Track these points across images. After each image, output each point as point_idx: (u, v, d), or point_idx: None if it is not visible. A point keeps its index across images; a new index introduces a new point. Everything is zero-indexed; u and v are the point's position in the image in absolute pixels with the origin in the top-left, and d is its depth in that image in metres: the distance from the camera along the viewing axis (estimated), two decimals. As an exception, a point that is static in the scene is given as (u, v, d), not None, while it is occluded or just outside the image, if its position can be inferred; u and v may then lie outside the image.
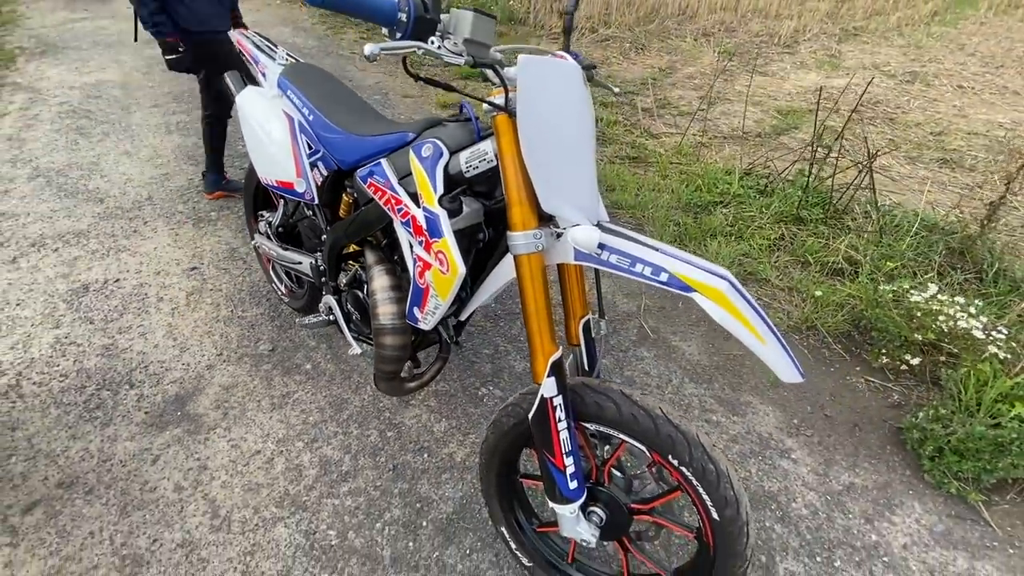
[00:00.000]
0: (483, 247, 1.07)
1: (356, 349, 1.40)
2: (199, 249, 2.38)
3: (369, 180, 1.12)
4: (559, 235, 0.90)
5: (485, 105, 0.85)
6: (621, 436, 0.97)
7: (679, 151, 3.42)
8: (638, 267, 0.84)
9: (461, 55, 0.82)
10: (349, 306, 1.40)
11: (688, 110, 4.28)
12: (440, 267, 0.93)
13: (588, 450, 1.07)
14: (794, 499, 1.45)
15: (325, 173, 1.30)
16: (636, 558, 1.10)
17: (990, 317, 1.81)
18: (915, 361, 1.73)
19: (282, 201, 1.65)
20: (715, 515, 0.92)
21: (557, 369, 0.91)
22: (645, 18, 6.80)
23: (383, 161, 1.11)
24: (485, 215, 1.02)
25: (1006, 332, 1.73)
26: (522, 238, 0.86)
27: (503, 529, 1.21)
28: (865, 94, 4.74)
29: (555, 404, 0.92)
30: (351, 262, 1.42)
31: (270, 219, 1.70)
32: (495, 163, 0.93)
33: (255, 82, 1.62)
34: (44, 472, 1.47)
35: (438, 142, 0.98)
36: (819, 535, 1.37)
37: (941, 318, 1.76)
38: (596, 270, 1.06)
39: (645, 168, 3.25)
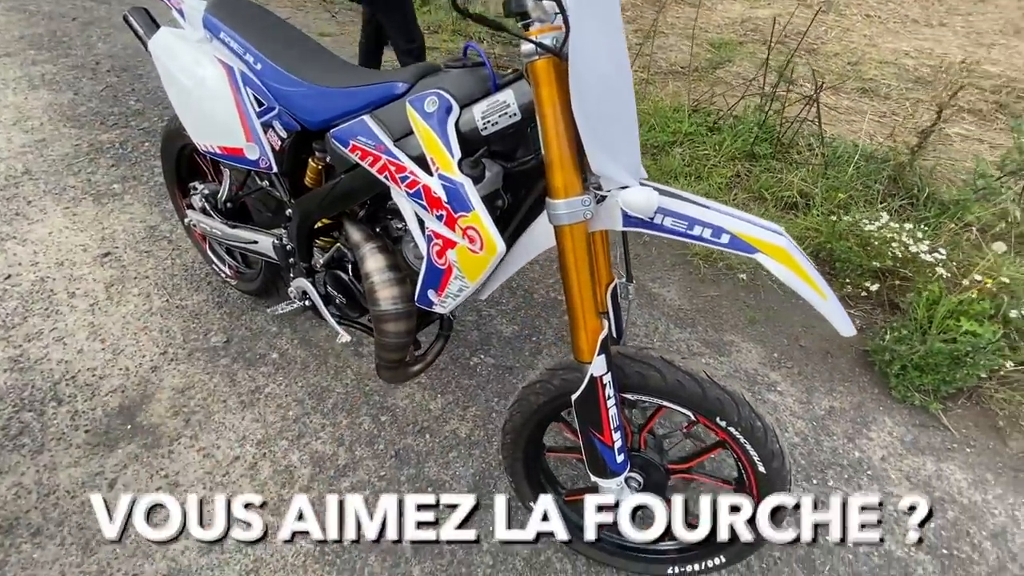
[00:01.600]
0: (500, 215, 0.94)
1: (344, 336, 1.24)
2: (108, 230, 2.01)
3: (351, 142, 0.94)
4: (601, 199, 0.80)
5: (525, 47, 0.71)
6: (666, 403, 0.94)
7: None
8: (696, 229, 0.77)
9: None
10: (329, 288, 1.23)
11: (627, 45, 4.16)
12: (470, 245, 0.81)
13: (625, 418, 1.04)
14: (786, 430, 1.53)
15: (284, 135, 1.09)
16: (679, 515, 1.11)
17: (926, 236, 1.97)
18: (874, 287, 1.86)
19: (227, 171, 1.39)
20: (762, 468, 0.93)
21: (605, 347, 0.84)
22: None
23: (366, 118, 0.93)
24: (505, 178, 0.89)
25: (944, 253, 1.89)
26: (566, 206, 0.75)
27: (531, 505, 1.17)
28: (787, 25, 4.84)
29: (605, 382, 0.86)
30: (323, 238, 1.23)
31: (208, 192, 1.44)
32: (519, 117, 0.80)
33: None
34: (-31, 519, 1.22)
35: (444, 93, 0.83)
36: (812, 459, 1.46)
37: (894, 245, 1.88)
38: (623, 231, 0.98)
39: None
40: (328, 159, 1.05)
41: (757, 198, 2.43)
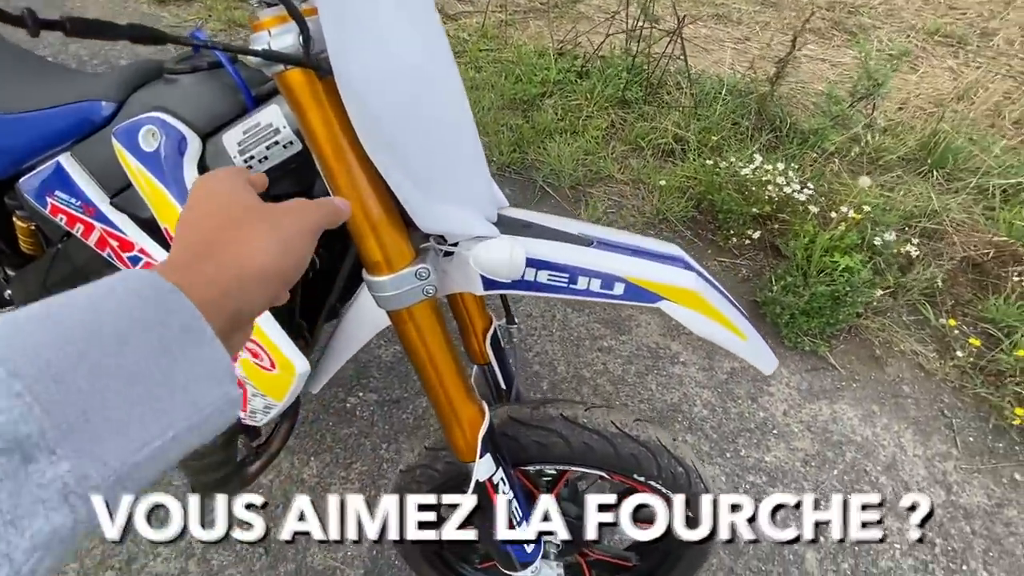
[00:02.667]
0: (315, 276, 0.66)
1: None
2: None
3: (49, 200, 0.59)
4: (447, 253, 0.56)
5: (251, 58, 0.42)
6: (574, 468, 0.77)
7: (484, 34, 3.00)
8: (581, 282, 0.56)
9: None
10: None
11: (478, -19, 3.75)
12: (255, 360, 0.53)
13: (527, 481, 0.86)
14: (694, 404, 1.48)
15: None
16: (595, 558, 0.98)
17: (797, 174, 1.99)
18: (756, 235, 1.84)
19: None
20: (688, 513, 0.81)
21: (490, 442, 0.63)
22: None
23: (62, 160, 0.58)
24: None
25: (812, 188, 1.91)
26: (392, 285, 0.50)
27: (442, 586, 0.98)
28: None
29: (495, 481, 0.65)
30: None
31: None
32: (299, 144, 0.52)
33: None
34: None
35: (168, 119, 0.51)
36: (722, 431, 1.43)
37: (770, 187, 1.86)
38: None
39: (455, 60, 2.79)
40: (29, 217, 0.68)
41: (634, 148, 2.32)
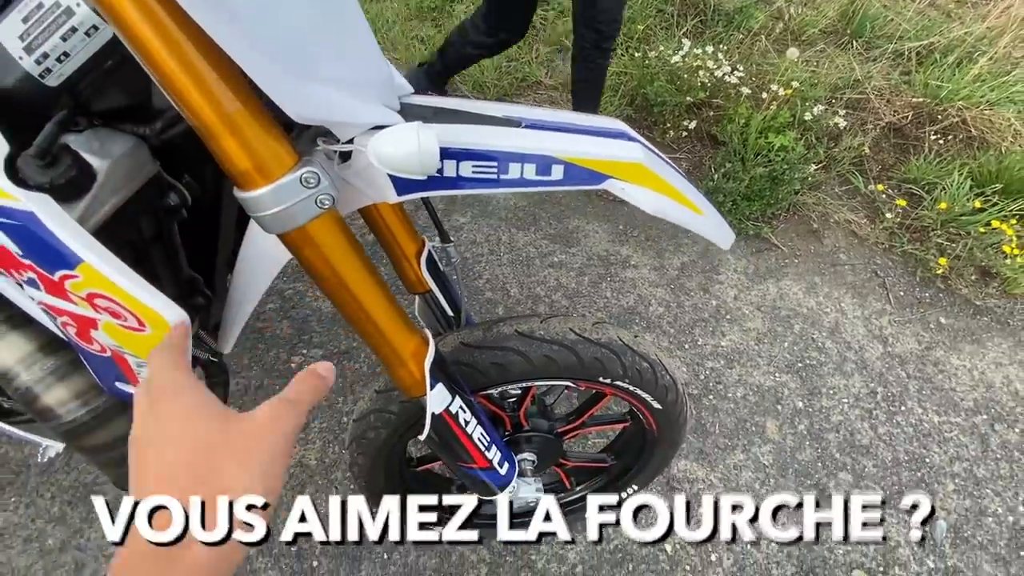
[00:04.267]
0: (193, 212, 0.54)
1: (52, 448, 0.78)
2: None
3: None
4: (344, 156, 0.45)
5: None
6: (538, 383, 0.73)
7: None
8: (513, 169, 0.47)
9: None
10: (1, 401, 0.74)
11: None
12: (117, 321, 0.42)
13: (493, 406, 0.82)
14: (649, 304, 1.48)
15: None
16: (572, 466, 0.98)
17: (726, 57, 1.92)
18: (692, 125, 1.79)
19: None
20: (656, 405, 0.79)
21: (441, 369, 0.57)
22: None
23: None
24: (160, 150, 0.47)
25: (742, 70, 1.86)
26: (271, 199, 0.39)
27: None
28: None
29: (453, 411, 0.60)
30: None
31: None
32: (111, 32, 0.38)
33: None
34: None
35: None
36: (678, 324, 1.45)
37: (701, 72, 1.79)
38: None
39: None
40: None
41: (559, 49, 2.16)
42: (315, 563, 1.03)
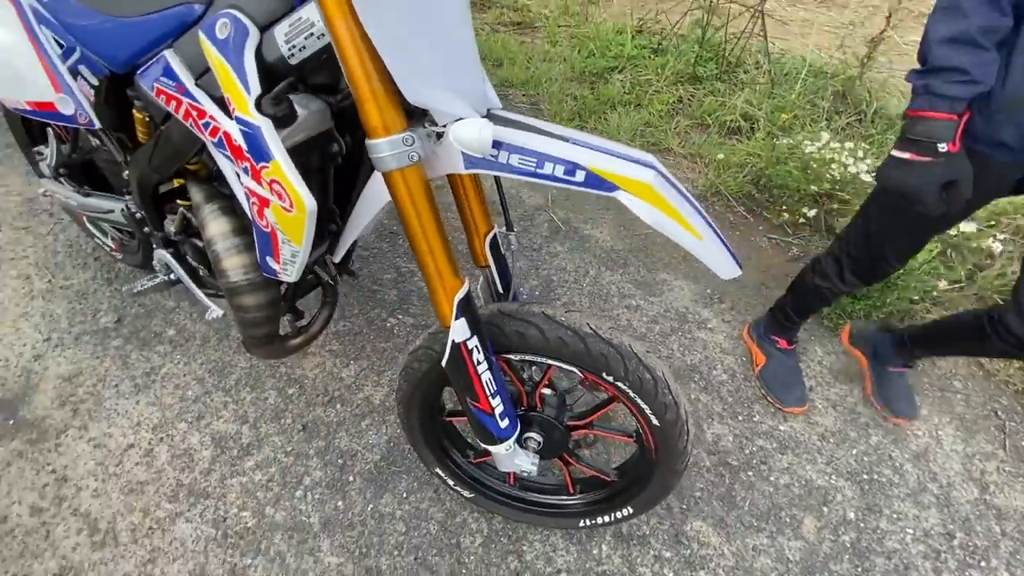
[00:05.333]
0: (344, 161, 0.81)
1: (216, 311, 1.12)
2: (-21, 207, 1.80)
3: (155, 85, 0.78)
4: (439, 135, 0.67)
5: None
6: (549, 361, 0.86)
7: (565, 11, 3.07)
8: (547, 167, 0.65)
9: None
10: (191, 259, 1.09)
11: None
12: (280, 202, 0.68)
13: (514, 376, 0.96)
14: (714, 367, 1.49)
15: (95, 81, 0.91)
16: (578, 468, 1.06)
17: (873, 158, 1.88)
18: (811, 213, 1.78)
19: (51, 130, 1.19)
20: (655, 421, 0.87)
21: (466, 307, 0.74)
22: None
23: (167, 54, 0.76)
24: (336, 116, 0.75)
25: (886, 171, 1.80)
26: (387, 147, 0.62)
27: (438, 470, 1.11)
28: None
29: (470, 347, 0.76)
30: (179, 200, 1.08)
31: (49, 155, 1.25)
32: (329, 40, 0.65)
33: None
34: None
35: (237, 15, 0.66)
36: (739, 396, 1.43)
37: (834, 166, 1.78)
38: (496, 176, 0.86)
39: (532, 34, 2.90)
40: (147, 108, 0.89)
41: (699, 124, 2.29)
42: (351, 479, 1.24)
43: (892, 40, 2.76)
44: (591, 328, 0.82)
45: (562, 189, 2.00)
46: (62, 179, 1.29)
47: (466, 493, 1.14)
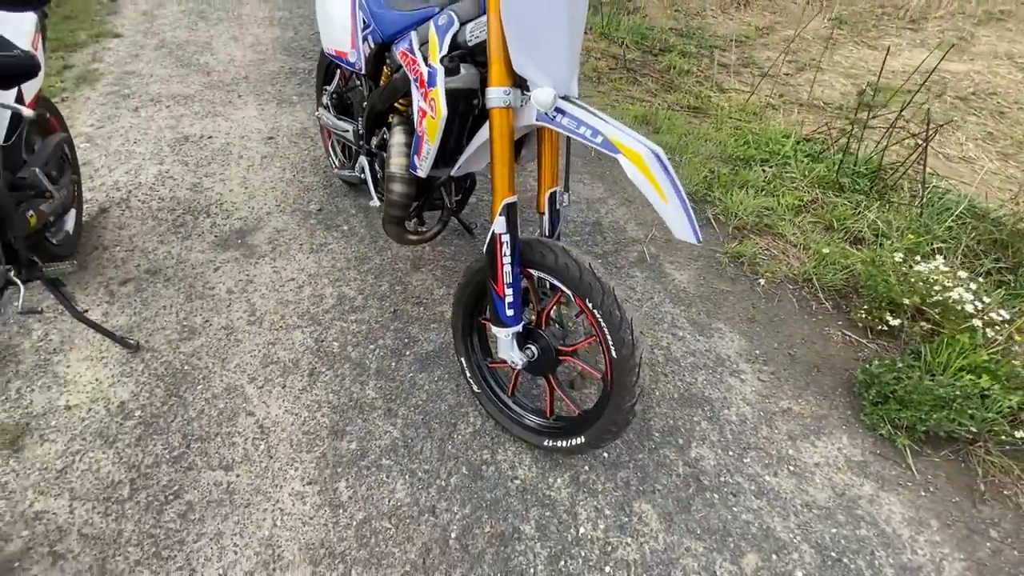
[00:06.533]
0: (478, 114, 1.27)
1: (375, 202, 1.67)
2: (277, 124, 2.74)
3: (400, 49, 1.35)
4: (526, 99, 1.08)
5: None
6: (554, 280, 1.18)
7: (744, 108, 3.35)
8: (581, 129, 1.01)
9: None
10: (377, 166, 1.66)
11: (773, 72, 4.10)
12: (431, 112, 1.16)
13: (534, 297, 1.29)
14: (728, 407, 1.60)
15: (373, 46, 1.53)
16: (558, 395, 1.33)
17: (998, 301, 1.80)
18: (895, 322, 1.77)
19: (339, 72, 1.91)
20: (614, 353, 1.12)
21: (508, 210, 1.12)
22: (758, -27, 6.33)
23: (412, 32, 1.32)
24: (482, 83, 1.21)
25: (1006, 315, 1.72)
26: (495, 92, 1.05)
27: (462, 359, 1.47)
28: (982, 84, 4.30)
29: (503, 240, 1.14)
30: (385, 127, 1.67)
31: (331, 92, 1.99)
32: (485, 37, 1.12)
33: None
34: (137, 261, 1.90)
35: (453, 13, 1.18)
36: (740, 437, 1.52)
37: (935, 288, 1.77)
38: (568, 147, 1.24)
39: (702, 119, 3.24)
40: (392, 64, 1.47)
41: (826, 227, 2.36)
42: (407, 353, 1.66)
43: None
44: (589, 265, 1.13)
45: (666, 229, 2.27)
46: (329, 109, 2.02)
47: (475, 387, 1.47)
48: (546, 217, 1.30)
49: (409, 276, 1.94)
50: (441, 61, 1.15)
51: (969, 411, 1.45)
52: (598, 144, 1.00)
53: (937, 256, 1.86)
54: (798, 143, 2.90)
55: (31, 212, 1.41)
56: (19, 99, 1.37)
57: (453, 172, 1.37)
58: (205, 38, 3.58)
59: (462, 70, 1.17)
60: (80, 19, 3.65)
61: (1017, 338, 1.56)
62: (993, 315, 1.71)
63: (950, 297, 1.72)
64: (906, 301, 1.79)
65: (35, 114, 1.41)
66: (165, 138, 2.55)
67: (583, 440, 1.26)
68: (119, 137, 2.52)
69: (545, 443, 1.35)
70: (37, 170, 1.42)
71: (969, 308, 1.70)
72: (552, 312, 1.29)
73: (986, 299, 1.75)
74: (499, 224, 1.13)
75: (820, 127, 3.07)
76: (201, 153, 2.48)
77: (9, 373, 1.52)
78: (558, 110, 1.03)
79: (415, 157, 1.30)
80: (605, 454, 1.44)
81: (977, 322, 1.66)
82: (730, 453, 1.48)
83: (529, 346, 1.28)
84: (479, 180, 2.32)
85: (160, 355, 1.60)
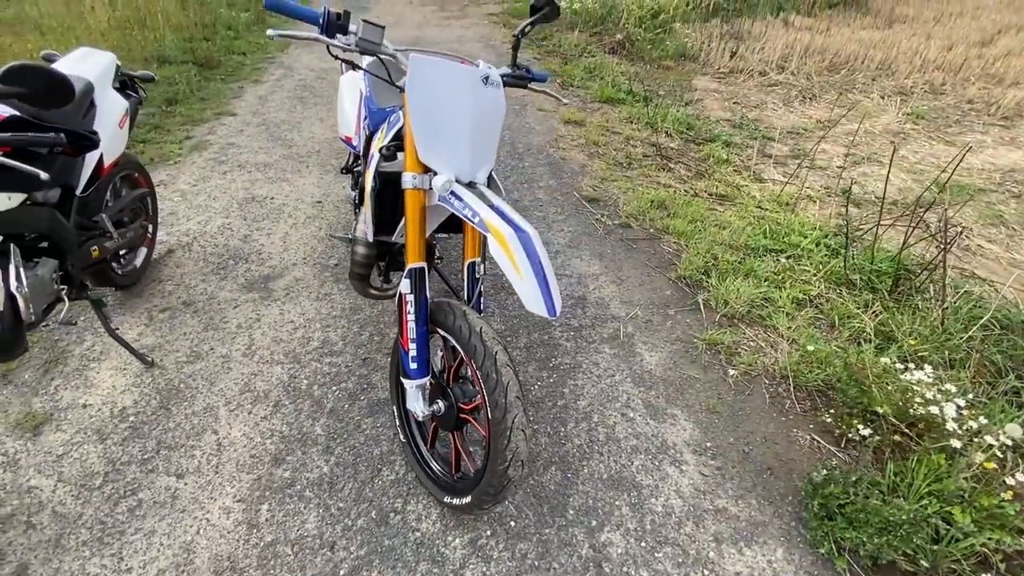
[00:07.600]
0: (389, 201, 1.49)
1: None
2: (329, 191, 3.20)
3: (375, 136, 1.63)
4: (432, 181, 1.27)
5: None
6: (451, 339, 1.30)
7: (776, 199, 3.31)
8: (466, 211, 1.18)
9: (348, 46, 1.21)
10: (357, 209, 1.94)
11: (824, 165, 4.02)
12: (368, 187, 1.39)
13: (447, 354, 1.41)
14: (657, 497, 1.55)
15: (366, 133, 1.85)
16: (460, 450, 1.40)
17: (1001, 423, 1.60)
18: (865, 431, 1.63)
19: (350, 153, 2.27)
20: (490, 414, 1.20)
21: (414, 274, 1.29)
22: (831, 68, 6.31)
23: (385, 124, 1.60)
24: None
25: (994, 441, 1.52)
26: (407, 176, 1.26)
27: (395, 408, 1.60)
28: (1077, 185, 3.88)
29: (408, 300, 1.29)
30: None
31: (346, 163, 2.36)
32: None
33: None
34: (180, 294, 2.30)
35: (401, 112, 1.43)
36: (659, 530, 1.46)
37: (917, 400, 1.62)
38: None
39: (728, 206, 3.24)
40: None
41: (830, 326, 2.24)
42: (362, 399, 1.82)
43: None
44: (479, 330, 1.24)
45: (648, 309, 2.29)
46: (346, 172, 2.38)
47: (402, 437, 1.58)
48: (465, 284, 1.44)
49: (390, 328, 2.14)
50: (380, 150, 1.39)
51: (915, 540, 1.29)
52: (476, 224, 1.15)
53: (925, 366, 1.70)
54: (825, 236, 2.80)
55: (95, 247, 1.81)
56: (100, 163, 1.82)
57: (394, 238, 1.58)
58: (298, 118, 4.31)
59: (398, 156, 1.40)
60: (212, 101, 4.58)
61: (988, 465, 1.37)
62: (990, 439, 1.51)
63: (931, 412, 1.57)
64: (878, 409, 1.64)
65: (50, 180, 1.85)
66: (237, 197, 3.09)
67: (470, 500, 1.31)
68: (204, 194, 3.10)
69: (444, 499, 1.41)
70: (105, 216, 1.84)
71: (950, 426, 1.53)
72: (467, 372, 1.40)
73: (982, 419, 1.56)
74: (405, 285, 1.29)
75: (840, 218, 2.94)
76: (260, 210, 2.96)
77: (55, 372, 1.90)
78: (452, 194, 1.21)
79: (368, 229, 1.53)
80: (512, 522, 1.46)
81: (956, 442, 1.48)
82: (642, 544, 1.43)
83: (438, 401, 1.38)
84: (450, 246, 2.53)
85: (166, 372, 1.91)
